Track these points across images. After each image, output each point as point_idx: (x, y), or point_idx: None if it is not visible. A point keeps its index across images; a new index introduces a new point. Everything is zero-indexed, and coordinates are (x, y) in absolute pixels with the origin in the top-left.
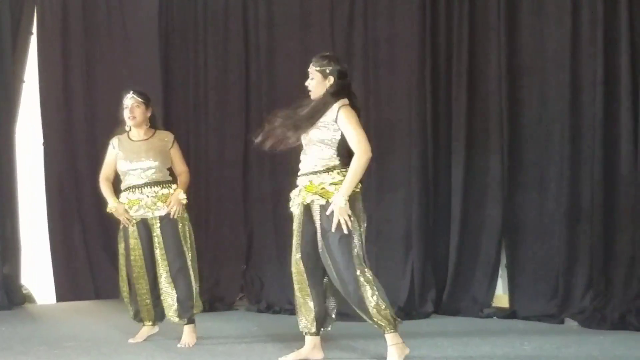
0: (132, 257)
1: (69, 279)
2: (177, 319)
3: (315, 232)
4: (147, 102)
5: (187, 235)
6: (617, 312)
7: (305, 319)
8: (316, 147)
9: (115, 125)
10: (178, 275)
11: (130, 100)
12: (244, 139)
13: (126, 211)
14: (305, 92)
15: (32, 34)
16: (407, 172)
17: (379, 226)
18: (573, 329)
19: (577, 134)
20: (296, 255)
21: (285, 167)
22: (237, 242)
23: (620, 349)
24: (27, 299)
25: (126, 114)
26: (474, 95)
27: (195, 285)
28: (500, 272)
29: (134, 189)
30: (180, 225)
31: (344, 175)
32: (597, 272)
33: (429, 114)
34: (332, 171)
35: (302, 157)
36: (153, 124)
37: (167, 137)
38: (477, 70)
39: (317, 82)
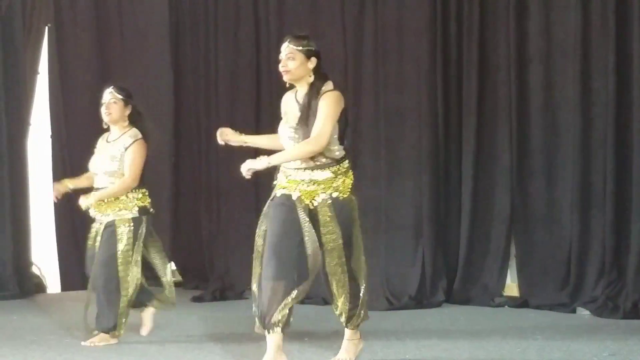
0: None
1: (74, 269)
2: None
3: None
4: (127, 98)
5: (132, 248)
6: (629, 300)
7: None
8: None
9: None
10: (97, 285)
11: (108, 95)
12: (254, 127)
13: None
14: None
15: (48, 25)
16: (417, 160)
17: (388, 214)
18: (585, 318)
19: (588, 121)
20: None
21: None
22: (248, 231)
23: (633, 338)
24: (38, 287)
25: (102, 110)
26: (484, 83)
27: (127, 299)
28: (510, 260)
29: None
30: (119, 230)
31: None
32: (609, 260)
33: (439, 102)
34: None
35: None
36: (135, 121)
37: (127, 140)
38: (487, 58)
39: (299, 63)
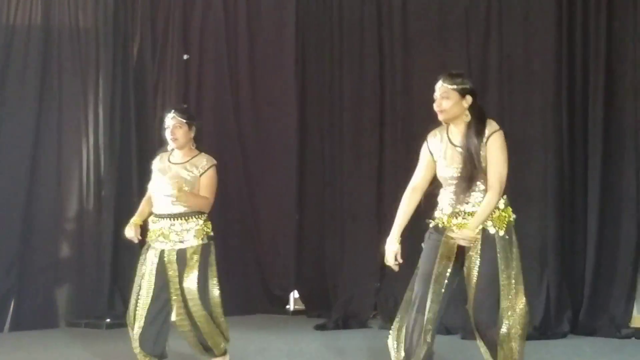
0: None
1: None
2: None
3: None
4: (190, 121)
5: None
6: None
7: None
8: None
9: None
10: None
11: (171, 120)
12: (378, 155)
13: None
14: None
15: (186, 56)
16: (542, 187)
17: None
18: None
19: None
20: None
21: None
22: (371, 259)
23: None
24: None
25: (167, 135)
26: (610, 111)
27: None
28: (637, 291)
29: (159, 217)
30: (197, 258)
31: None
32: None
33: (565, 130)
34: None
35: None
36: (199, 144)
37: (203, 164)
38: (614, 85)
39: (454, 103)
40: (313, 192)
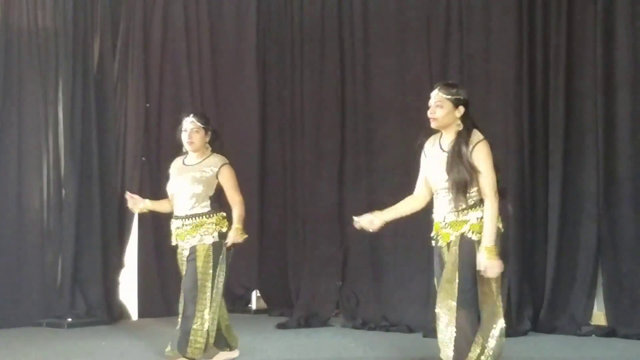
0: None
1: (153, 296)
2: (169, 349)
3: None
4: (207, 126)
5: (212, 273)
6: None
7: None
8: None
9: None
10: (186, 308)
11: (189, 124)
12: (339, 156)
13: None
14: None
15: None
16: (503, 186)
17: None
18: None
19: None
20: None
21: (381, 183)
22: (333, 259)
23: None
24: (124, 314)
25: (184, 138)
26: (571, 111)
27: (202, 324)
28: (597, 289)
29: (176, 218)
30: (202, 262)
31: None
32: None
33: (525, 130)
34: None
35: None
36: (214, 147)
37: (215, 163)
38: (574, 85)
39: (447, 112)
40: (275, 192)
